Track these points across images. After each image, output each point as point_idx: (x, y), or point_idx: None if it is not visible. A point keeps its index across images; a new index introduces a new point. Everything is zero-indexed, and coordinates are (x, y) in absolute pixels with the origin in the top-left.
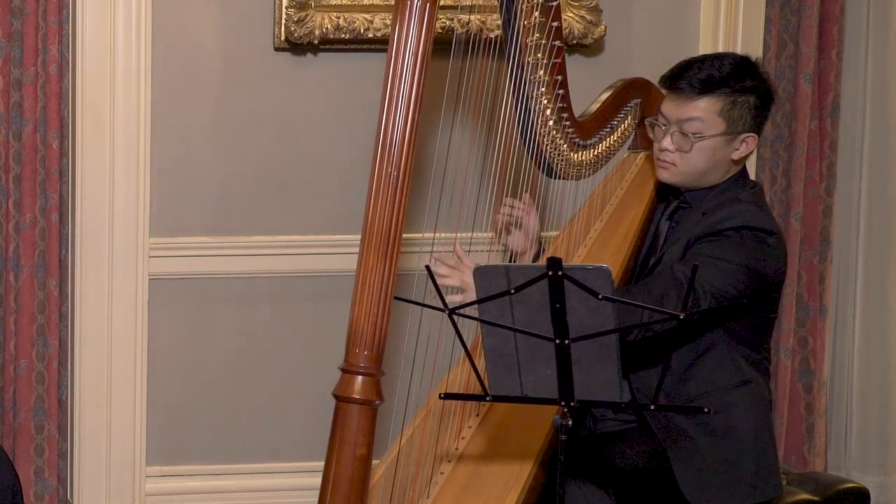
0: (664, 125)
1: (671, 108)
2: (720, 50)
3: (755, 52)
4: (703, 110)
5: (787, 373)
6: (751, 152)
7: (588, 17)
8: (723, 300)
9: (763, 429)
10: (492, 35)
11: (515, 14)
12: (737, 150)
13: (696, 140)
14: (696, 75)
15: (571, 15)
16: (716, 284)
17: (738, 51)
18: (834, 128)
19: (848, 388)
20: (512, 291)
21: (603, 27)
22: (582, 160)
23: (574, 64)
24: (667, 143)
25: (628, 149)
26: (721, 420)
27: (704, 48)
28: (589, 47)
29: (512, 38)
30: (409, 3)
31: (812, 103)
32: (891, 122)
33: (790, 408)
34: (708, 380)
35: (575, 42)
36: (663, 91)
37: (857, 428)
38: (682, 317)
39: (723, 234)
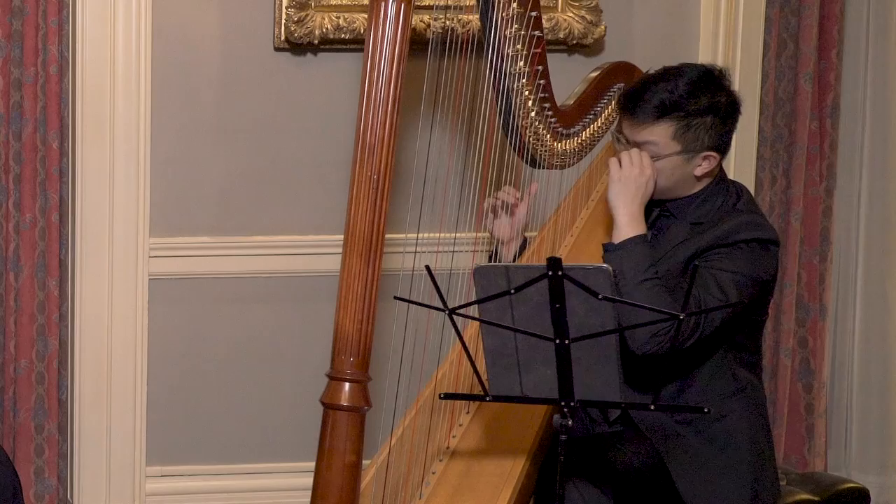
0: (624, 142)
1: (628, 130)
2: (720, 50)
3: (755, 52)
4: (657, 135)
5: (787, 373)
6: (715, 167)
7: (588, 17)
8: (736, 311)
9: (760, 436)
10: (470, 31)
11: (493, 6)
12: (699, 166)
13: (653, 161)
14: (650, 101)
15: (571, 15)
16: (732, 298)
17: (738, 51)
18: (834, 128)
19: (848, 388)
20: (512, 291)
21: (603, 27)
22: (566, 149)
23: (574, 64)
24: None
25: (612, 133)
26: (719, 427)
27: (704, 48)
28: (589, 47)
29: (490, 31)
30: (382, 4)
31: (812, 103)
32: (891, 122)
33: (790, 408)
34: (705, 389)
35: (575, 42)
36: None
37: (857, 428)
38: (681, 317)
39: (735, 246)
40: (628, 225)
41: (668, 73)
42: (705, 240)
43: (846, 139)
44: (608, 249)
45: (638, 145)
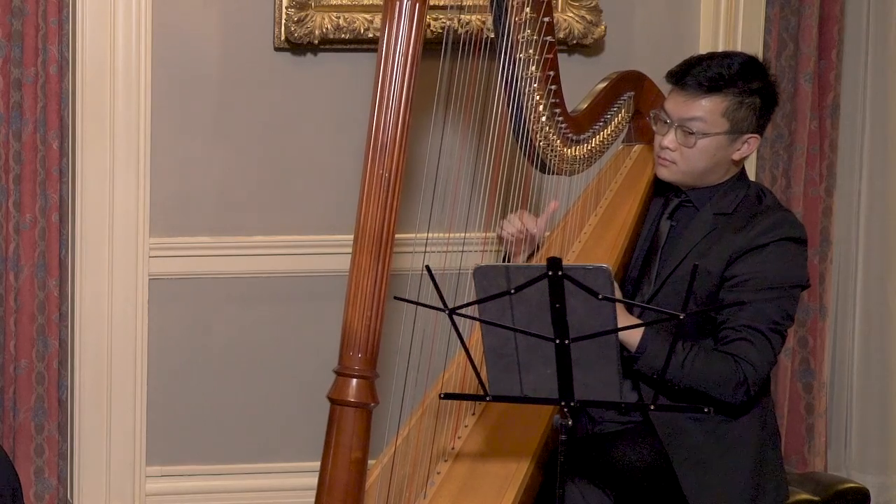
0: (666, 121)
1: (675, 105)
2: (720, 50)
3: (755, 52)
4: (708, 110)
5: (787, 373)
6: (751, 153)
7: (588, 17)
8: (786, 330)
9: (767, 443)
10: (482, 34)
11: (506, 11)
12: (738, 150)
13: (700, 138)
14: (705, 73)
15: (571, 15)
16: (777, 320)
17: (738, 50)
18: (834, 128)
19: (848, 388)
20: (512, 291)
21: (603, 27)
22: (575, 155)
23: (574, 64)
24: (668, 141)
25: (622, 142)
26: (728, 429)
27: (704, 48)
28: (589, 47)
29: (503, 35)
30: (397, 3)
31: (812, 103)
32: (891, 122)
33: (790, 408)
34: None
35: (575, 42)
36: (669, 86)
37: (857, 428)
38: (682, 317)
39: (771, 246)
40: (627, 334)
41: (717, 54)
42: (740, 242)
43: (846, 139)
44: (635, 361)
45: (683, 122)
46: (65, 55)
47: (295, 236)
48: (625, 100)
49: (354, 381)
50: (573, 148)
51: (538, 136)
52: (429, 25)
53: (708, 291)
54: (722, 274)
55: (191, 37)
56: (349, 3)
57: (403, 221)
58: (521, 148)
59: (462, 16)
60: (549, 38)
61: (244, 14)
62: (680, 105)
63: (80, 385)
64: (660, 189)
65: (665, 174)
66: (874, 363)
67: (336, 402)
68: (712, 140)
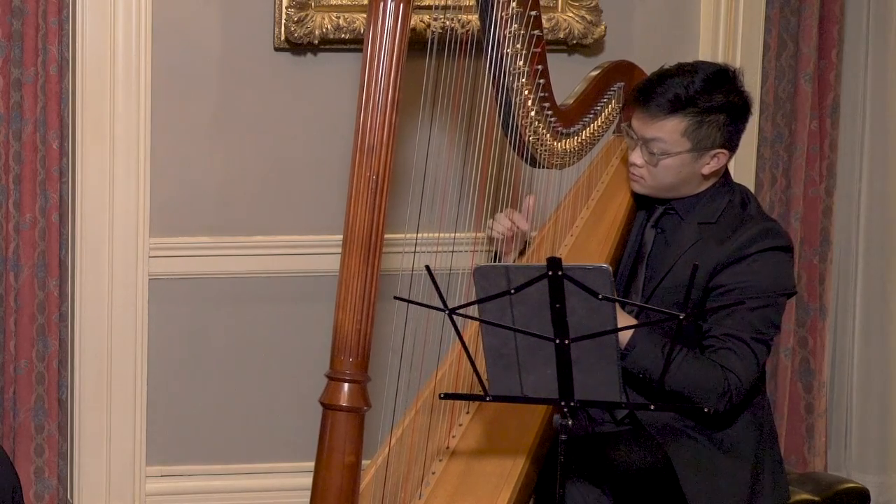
0: (633, 138)
1: (638, 124)
2: (720, 50)
3: (755, 52)
4: (667, 131)
5: (787, 373)
6: (723, 166)
7: (588, 17)
8: (772, 339)
9: (766, 446)
10: (469, 31)
11: (492, 6)
12: (707, 164)
13: (661, 158)
14: (664, 95)
15: (571, 15)
16: (762, 329)
17: (738, 51)
18: (834, 128)
19: (848, 388)
20: (512, 291)
21: (603, 27)
22: (566, 148)
23: (574, 64)
24: (635, 157)
25: (613, 132)
26: (725, 433)
27: (704, 48)
28: (589, 47)
29: (490, 30)
30: (381, 4)
31: (812, 103)
32: (891, 122)
33: (790, 408)
34: None
35: (575, 42)
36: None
37: (857, 428)
38: (681, 317)
39: (756, 257)
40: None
41: (683, 69)
42: (724, 253)
43: (846, 139)
44: (623, 358)
45: (646, 141)
46: (65, 55)
47: (295, 236)
48: (615, 90)
49: (346, 385)
50: (563, 141)
51: (527, 130)
52: (428, 25)
53: (693, 302)
54: (706, 285)
55: (191, 37)
56: (349, 3)
57: (393, 222)
58: (510, 143)
59: (448, 14)
60: (536, 32)
61: (244, 14)
62: (642, 125)
63: (80, 385)
64: (645, 200)
65: (637, 188)
66: (874, 363)
67: (328, 406)
68: (675, 159)
